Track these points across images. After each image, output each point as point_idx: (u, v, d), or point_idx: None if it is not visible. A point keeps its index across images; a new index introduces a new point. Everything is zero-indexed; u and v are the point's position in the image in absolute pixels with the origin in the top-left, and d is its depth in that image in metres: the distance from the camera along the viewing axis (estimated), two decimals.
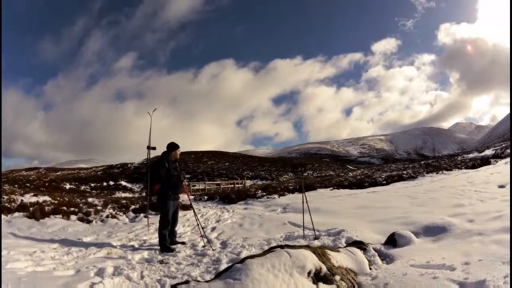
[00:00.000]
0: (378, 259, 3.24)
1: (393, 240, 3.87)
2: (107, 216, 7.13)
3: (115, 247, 4.56)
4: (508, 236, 3.32)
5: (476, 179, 10.90)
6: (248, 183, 24.62)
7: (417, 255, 3.14)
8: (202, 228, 5.24)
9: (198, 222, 5.16)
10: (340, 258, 2.84)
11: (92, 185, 25.68)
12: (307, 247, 2.69)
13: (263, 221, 6.78)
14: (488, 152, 35.02)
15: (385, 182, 15.25)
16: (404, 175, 17.88)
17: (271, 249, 2.58)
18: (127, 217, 7.34)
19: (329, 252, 2.88)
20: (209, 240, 4.90)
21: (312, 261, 2.32)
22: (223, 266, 3.41)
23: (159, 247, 4.54)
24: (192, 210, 5.65)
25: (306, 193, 12.92)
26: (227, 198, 12.74)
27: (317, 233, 4.90)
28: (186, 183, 5.20)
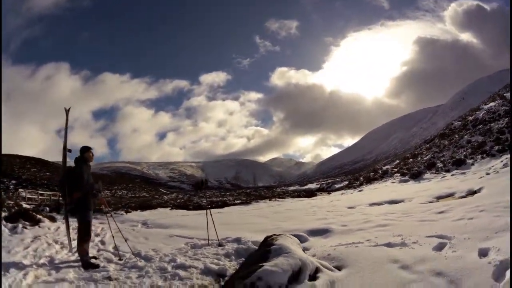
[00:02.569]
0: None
1: None
2: None
3: (30, 266, 3.82)
4: (388, 228, 4.51)
5: (319, 204, 11.61)
6: None
7: (324, 244, 4.36)
8: (127, 241, 5.09)
9: (119, 233, 4.94)
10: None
11: None
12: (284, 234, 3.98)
13: (146, 235, 6.86)
14: (312, 186, 43.12)
15: (209, 206, 15.43)
16: (228, 201, 20.04)
17: (270, 236, 3.66)
18: (5, 226, 5.98)
19: None
20: (120, 253, 4.74)
21: (298, 240, 3.69)
22: (174, 272, 3.75)
23: (80, 263, 4.03)
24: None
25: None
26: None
27: (217, 241, 5.42)
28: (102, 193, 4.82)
